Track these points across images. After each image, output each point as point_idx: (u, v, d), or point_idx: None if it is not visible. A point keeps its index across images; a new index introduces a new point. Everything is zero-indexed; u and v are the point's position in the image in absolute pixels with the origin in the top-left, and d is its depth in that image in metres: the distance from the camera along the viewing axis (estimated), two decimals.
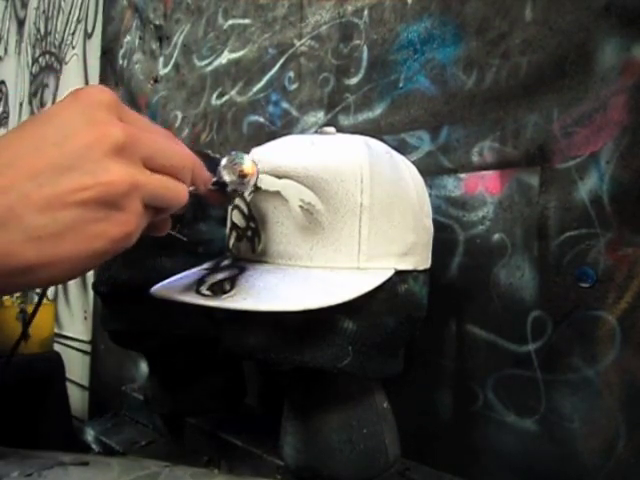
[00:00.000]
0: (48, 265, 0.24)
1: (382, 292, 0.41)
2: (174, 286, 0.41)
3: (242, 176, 0.34)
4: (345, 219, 0.40)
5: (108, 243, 0.26)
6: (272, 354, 0.41)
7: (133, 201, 0.26)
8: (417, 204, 0.44)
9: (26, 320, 1.10)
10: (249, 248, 0.43)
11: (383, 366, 0.44)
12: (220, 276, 0.40)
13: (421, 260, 0.45)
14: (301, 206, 0.40)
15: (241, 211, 0.43)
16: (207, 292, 0.38)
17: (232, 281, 0.39)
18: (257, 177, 0.35)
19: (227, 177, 0.34)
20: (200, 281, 0.40)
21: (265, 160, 0.41)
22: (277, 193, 0.40)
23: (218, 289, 0.38)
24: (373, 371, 0.43)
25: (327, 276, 0.39)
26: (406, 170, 0.45)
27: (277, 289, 0.38)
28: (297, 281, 0.39)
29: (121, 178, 0.25)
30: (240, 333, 0.42)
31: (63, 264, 0.25)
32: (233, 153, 0.34)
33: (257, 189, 0.41)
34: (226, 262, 0.43)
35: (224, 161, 0.34)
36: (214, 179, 0.33)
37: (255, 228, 0.42)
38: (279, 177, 0.40)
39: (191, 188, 0.30)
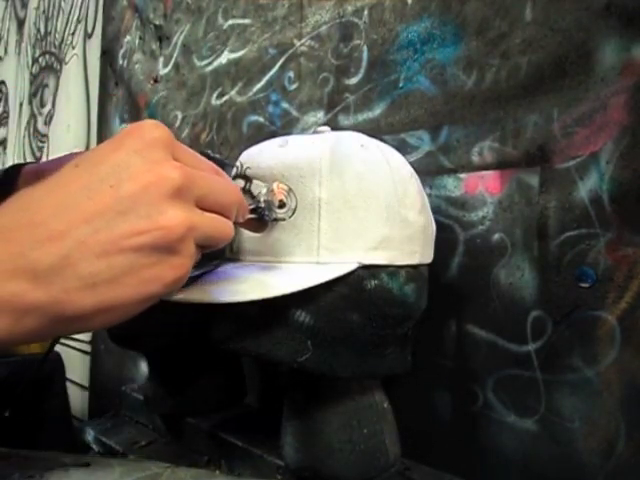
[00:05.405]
0: (103, 311, 0.24)
1: (344, 287, 0.40)
2: None
3: (281, 205, 0.36)
4: (304, 213, 0.40)
5: (162, 287, 0.25)
6: (231, 344, 0.41)
7: (188, 244, 0.25)
8: (394, 196, 0.42)
9: None
10: (229, 247, 0.45)
11: (360, 365, 0.43)
12: (195, 274, 0.41)
13: (400, 255, 0.43)
14: None
15: None
16: None
17: (197, 278, 0.40)
18: (296, 202, 0.37)
19: (265, 207, 0.35)
20: None
21: (240, 163, 0.43)
22: (247, 193, 0.41)
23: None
24: (344, 369, 0.42)
25: (281, 271, 0.40)
26: (383, 162, 0.43)
27: (224, 283, 0.38)
28: (246, 276, 0.40)
29: (178, 222, 0.24)
30: (207, 324, 0.42)
31: (117, 309, 0.24)
32: (269, 184, 0.36)
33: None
34: (216, 262, 0.44)
35: (263, 190, 0.36)
36: (251, 207, 0.34)
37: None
38: (249, 178, 0.41)
39: None
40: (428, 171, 0.55)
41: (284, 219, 0.37)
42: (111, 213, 0.23)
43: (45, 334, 0.23)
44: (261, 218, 0.36)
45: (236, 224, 0.32)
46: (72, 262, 0.22)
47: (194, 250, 0.26)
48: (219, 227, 0.28)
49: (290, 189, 0.37)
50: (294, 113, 0.72)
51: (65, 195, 0.24)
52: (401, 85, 0.59)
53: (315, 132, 0.47)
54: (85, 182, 0.24)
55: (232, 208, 0.29)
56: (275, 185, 0.36)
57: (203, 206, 0.27)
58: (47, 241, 0.22)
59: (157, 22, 1.02)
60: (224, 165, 0.66)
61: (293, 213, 0.37)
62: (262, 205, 0.35)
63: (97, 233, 0.23)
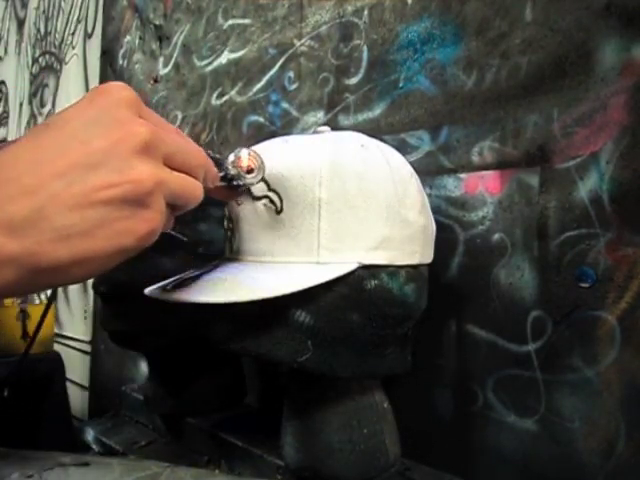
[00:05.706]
0: (78, 263, 0.25)
1: (345, 287, 0.40)
2: (161, 285, 0.41)
3: (249, 171, 0.36)
4: (304, 214, 0.40)
5: (135, 240, 0.26)
6: (231, 344, 0.42)
7: (157, 198, 0.26)
8: (394, 196, 0.42)
9: (25, 321, 1.10)
10: (229, 247, 0.45)
11: (360, 365, 0.43)
12: (195, 274, 0.41)
13: (400, 255, 0.43)
14: (265, 204, 0.41)
15: (224, 213, 0.45)
16: (170, 288, 0.39)
17: (197, 278, 0.40)
18: (264, 170, 0.36)
19: (234, 173, 0.35)
20: (178, 279, 0.41)
21: None
22: (246, 193, 0.41)
23: (180, 285, 0.39)
24: (344, 369, 0.42)
25: (281, 270, 0.40)
26: (383, 162, 0.43)
27: (223, 283, 0.39)
28: (246, 276, 0.39)
29: (147, 176, 0.25)
30: (207, 324, 0.43)
31: (92, 262, 0.25)
32: (238, 150, 0.36)
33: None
34: (215, 262, 0.44)
35: (231, 157, 0.35)
36: (221, 174, 0.34)
37: (232, 228, 0.44)
38: None
39: None
40: (428, 171, 0.55)
41: (253, 184, 0.37)
42: (82, 167, 0.24)
43: (26, 286, 0.24)
44: (232, 186, 0.36)
45: (208, 192, 0.32)
46: (46, 215, 0.23)
47: (164, 206, 0.27)
48: (187, 186, 0.29)
49: (262, 162, 0.36)
50: (294, 113, 0.72)
51: (38, 151, 0.25)
52: (401, 85, 0.59)
53: (315, 132, 0.47)
54: (57, 139, 0.25)
55: (199, 170, 0.30)
56: (244, 152, 0.36)
57: (171, 165, 0.28)
58: (22, 195, 0.23)
59: (157, 22, 1.02)
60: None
61: (262, 179, 0.37)
62: (231, 172, 0.35)
63: (69, 187, 0.24)
